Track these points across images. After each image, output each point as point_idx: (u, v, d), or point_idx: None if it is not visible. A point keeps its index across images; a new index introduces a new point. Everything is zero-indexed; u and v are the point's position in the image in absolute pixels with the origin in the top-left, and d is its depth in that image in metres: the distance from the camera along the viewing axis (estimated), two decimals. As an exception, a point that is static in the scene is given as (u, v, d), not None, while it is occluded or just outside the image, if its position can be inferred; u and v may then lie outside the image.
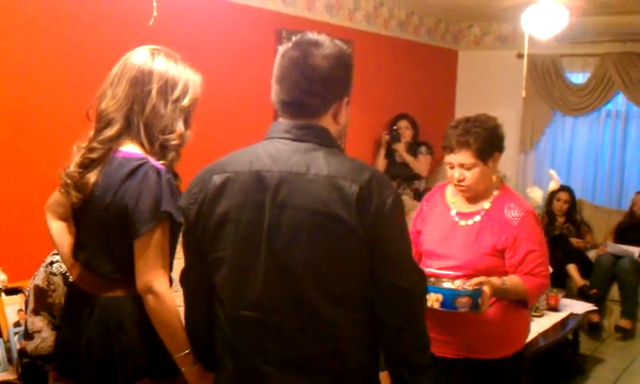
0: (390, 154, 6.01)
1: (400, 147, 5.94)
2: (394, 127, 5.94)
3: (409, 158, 5.93)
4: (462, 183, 2.47)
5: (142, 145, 1.90)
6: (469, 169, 2.44)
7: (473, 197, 2.51)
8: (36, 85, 3.51)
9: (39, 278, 2.68)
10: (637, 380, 4.64)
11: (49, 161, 3.44)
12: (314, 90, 1.63)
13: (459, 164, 2.45)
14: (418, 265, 1.70)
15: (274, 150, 1.63)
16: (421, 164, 5.99)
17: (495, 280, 2.34)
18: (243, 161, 1.65)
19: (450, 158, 2.48)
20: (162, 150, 1.92)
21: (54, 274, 2.67)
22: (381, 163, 5.93)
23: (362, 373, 1.68)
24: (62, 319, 2.12)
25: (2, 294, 3.07)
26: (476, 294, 2.26)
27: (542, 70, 6.68)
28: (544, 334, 4.16)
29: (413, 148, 6.03)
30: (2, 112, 3.37)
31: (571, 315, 4.60)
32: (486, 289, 2.28)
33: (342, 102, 1.69)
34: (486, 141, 2.42)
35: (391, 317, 1.63)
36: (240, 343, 1.65)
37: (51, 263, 2.70)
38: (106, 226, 1.88)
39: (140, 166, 1.84)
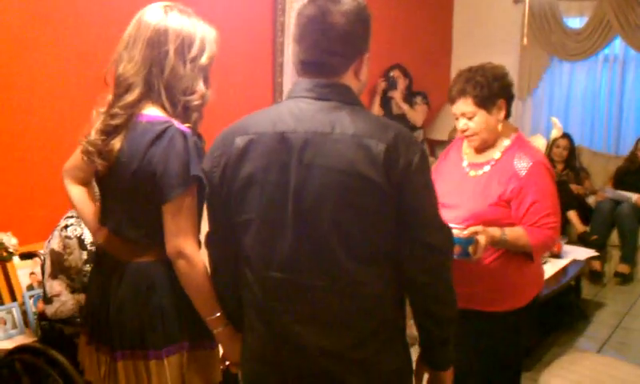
0: (386, 105, 5.97)
1: (396, 95, 5.90)
2: (390, 74, 5.90)
3: (405, 107, 5.90)
4: (467, 133, 2.46)
5: (163, 107, 1.87)
6: (471, 117, 2.42)
7: (481, 146, 2.49)
8: (48, 48, 3.44)
9: (54, 242, 2.67)
10: (638, 323, 4.72)
11: (60, 121, 3.43)
12: (335, 48, 1.62)
13: (461, 113, 2.44)
14: (444, 221, 1.70)
15: (298, 110, 1.62)
16: (417, 113, 5.96)
17: (494, 230, 2.32)
18: (266, 122, 1.64)
19: (454, 109, 2.48)
20: (184, 112, 1.89)
21: (70, 238, 2.67)
22: (376, 112, 5.88)
23: (389, 327, 1.70)
24: (90, 284, 2.12)
25: (15, 258, 3.06)
26: (465, 242, 2.24)
27: (540, 16, 6.61)
28: (547, 282, 4.19)
29: (408, 98, 5.99)
30: (9, 67, 3.31)
31: (573, 261, 4.64)
32: (480, 238, 2.26)
33: (363, 57, 1.68)
34: (486, 88, 2.39)
35: (419, 273, 1.65)
36: (270, 304, 1.66)
37: (65, 227, 2.69)
38: (133, 192, 1.87)
39: (165, 129, 1.81)
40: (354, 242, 1.58)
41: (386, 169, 1.54)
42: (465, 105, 2.42)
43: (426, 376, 1.83)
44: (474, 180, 2.48)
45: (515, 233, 2.36)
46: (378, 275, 1.63)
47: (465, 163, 2.55)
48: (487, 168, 2.47)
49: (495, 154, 2.48)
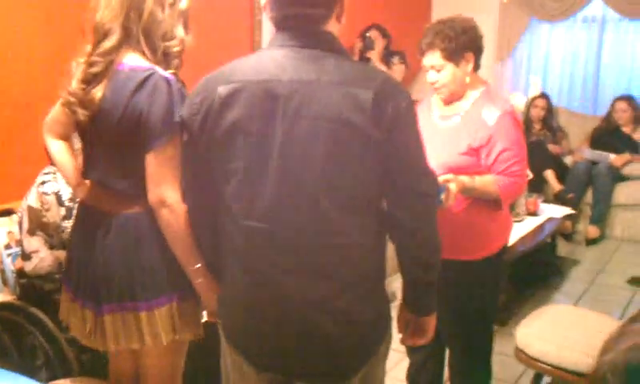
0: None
1: (373, 56, 5.87)
2: (367, 34, 5.86)
3: (382, 68, 5.87)
4: (435, 85, 2.48)
5: (143, 54, 1.84)
6: (439, 70, 2.43)
7: (449, 98, 2.51)
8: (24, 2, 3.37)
9: (32, 199, 2.65)
10: (613, 279, 4.80)
11: (37, 75, 3.36)
12: (318, 1, 1.60)
13: (430, 66, 2.45)
14: (430, 168, 1.71)
15: (282, 58, 1.59)
16: (394, 73, 5.91)
17: (464, 178, 2.35)
18: (249, 70, 1.61)
19: (423, 61, 2.49)
20: (164, 58, 1.86)
21: (47, 194, 2.64)
22: (353, 73, 5.82)
23: (370, 278, 1.71)
24: (72, 240, 2.09)
25: (-8, 216, 3.03)
26: (438, 190, 2.27)
27: (520, -25, 6.59)
28: (523, 239, 4.25)
29: (386, 58, 5.96)
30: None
31: (549, 219, 4.70)
32: (451, 186, 2.29)
33: (343, 1, 1.66)
34: (454, 41, 2.39)
35: (406, 219, 1.65)
36: (252, 253, 1.66)
37: (43, 183, 2.66)
38: (118, 140, 1.84)
39: (149, 76, 1.79)
40: (339, 191, 1.58)
41: (375, 115, 1.53)
42: (433, 58, 2.43)
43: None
44: (444, 131, 2.50)
45: (484, 180, 2.40)
46: (361, 225, 1.64)
47: (435, 115, 2.57)
48: (457, 119, 2.49)
49: (465, 104, 2.49)
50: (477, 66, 2.48)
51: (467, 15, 2.52)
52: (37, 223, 2.64)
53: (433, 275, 1.75)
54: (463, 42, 2.41)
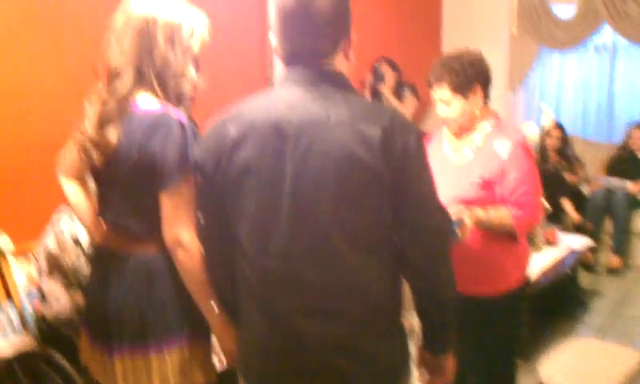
0: (376, 98, 5.96)
1: (385, 89, 5.89)
2: (378, 67, 5.89)
3: (393, 101, 5.89)
4: (445, 119, 2.49)
5: (156, 95, 1.85)
6: (448, 104, 2.44)
7: (459, 132, 2.51)
8: (38, 39, 3.41)
9: (49, 241, 2.65)
10: (634, 309, 4.73)
11: (52, 118, 3.39)
12: (323, 34, 1.61)
13: (439, 100, 2.46)
14: (441, 203, 1.69)
15: (291, 98, 1.60)
16: (406, 107, 5.93)
17: (479, 211, 2.35)
18: (259, 110, 1.62)
19: (433, 95, 2.49)
20: (177, 98, 1.87)
21: (64, 235, 2.64)
22: (365, 107, 5.84)
23: (388, 316, 1.70)
24: (89, 282, 2.09)
25: (10, 258, 3.02)
26: (454, 224, 2.25)
27: (529, 5, 6.61)
28: (544, 271, 4.20)
29: (397, 91, 5.98)
30: (2, 67, 3.28)
31: (570, 251, 4.64)
32: (466, 219, 2.28)
33: (350, 37, 1.67)
34: (462, 75, 2.40)
35: (419, 256, 1.64)
36: (266, 293, 1.65)
37: (60, 224, 2.66)
38: (133, 182, 1.85)
39: (162, 118, 1.80)
40: (352, 229, 1.57)
41: (384, 152, 1.53)
42: (442, 91, 2.44)
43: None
44: (456, 164, 2.51)
45: (499, 213, 2.39)
46: (376, 263, 1.62)
47: (446, 148, 2.57)
48: (468, 152, 2.49)
49: (476, 137, 2.49)
50: (486, 98, 2.49)
51: (477, 47, 2.53)
52: (54, 266, 2.64)
53: (448, 314, 1.72)
54: (471, 75, 2.41)
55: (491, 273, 2.48)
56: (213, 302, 1.84)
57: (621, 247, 5.58)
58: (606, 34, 6.50)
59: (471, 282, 2.43)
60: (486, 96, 2.48)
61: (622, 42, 6.42)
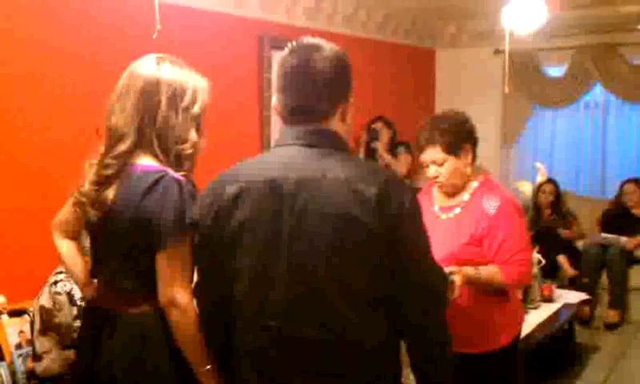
0: (370, 155, 6.02)
1: (379, 146, 5.96)
2: (372, 126, 5.97)
3: (388, 158, 5.95)
4: (438, 179, 2.50)
5: (156, 157, 1.86)
6: (441, 164, 2.46)
7: (452, 191, 2.54)
8: (37, 101, 3.48)
9: (44, 299, 2.65)
10: (634, 365, 4.69)
11: (48, 177, 3.42)
12: (321, 94, 1.64)
13: (431, 161, 2.48)
14: (437, 262, 1.71)
15: (287, 157, 1.62)
16: (400, 163, 6.01)
17: (468, 269, 2.35)
18: (256, 170, 1.64)
19: (422, 157, 2.52)
20: (177, 161, 1.88)
21: (59, 294, 2.65)
22: (360, 163, 5.89)
23: (386, 376, 1.68)
24: (80, 340, 2.08)
25: (4, 316, 3.01)
26: None
27: (520, 65, 6.75)
28: (540, 326, 4.18)
29: (391, 149, 6.05)
30: (0, 127, 3.33)
31: (565, 305, 4.64)
32: (455, 278, 2.28)
33: (348, 101, 1.70)
34: (453, 134, 2.43)
35: (415, 315, 1.64)
36: (263, 353, 1.64)
37: (55, 282, 2.67)
38: (128, 241, 1.85)
39: (160, 178, 1.81)
40: (350, 287, 1.57)
41: (379, 212, 1.54)
42: (434, 152, 2.46)
43: None
44: (446, 222, 2.51)
45: (489, 271, 2.39)
46: (376, 323, 1.62)
47: (436, 207, 2.58)
48: (457, 210, 2.51)
49: (465, 195, 2.52)
50: (474, 157, 2.53)
51: (471, 105, 2.59)
52: (48, 323, 2.63)
53: (445, 373, 1.71)
54: (461, 135, 2.46)
55: (483, 331, 2.47)
56: (207, 363, 1.82)
57: (618, 302, 5.56)
58: (597, 92, 6.62)
59: (463, 340, 2.40)
60: (474, 155, 2.52)
61: (612, 98, 6.54)
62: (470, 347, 2.43)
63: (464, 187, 2.52)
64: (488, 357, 2.47)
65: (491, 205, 2.43)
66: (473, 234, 2.42)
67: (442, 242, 2.43)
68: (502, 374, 2.53)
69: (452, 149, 2.44)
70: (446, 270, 2.28)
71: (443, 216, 2.54)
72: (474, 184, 2.52)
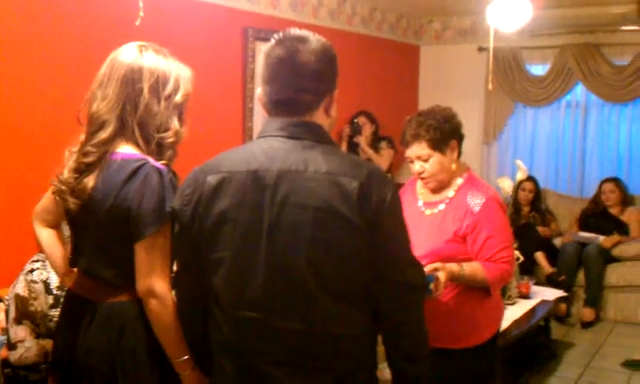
0: (353, 149, 6.04)
1: (362, 140, 5.97)
2: (355, 120, 5.98)
3: (370, 152, 5.97)
4: (423, 175, 2.50)
5: (137, 145, 1.85)
6: (426, 160, 2.47)
7: (437, 187, 2.54)
8: (17, 89, 3.44)
9: (20, 287, 2.62)
10: (608, 362, 4.75)
11: (24, 166, 3.39)
12: (306, 86, 1.63)
13: (416, 157, 2.48)
14: (416, 259, 1.71)
15: (270, 149, 1.62)
16: (382, 158, 6.02)
17: (453, 266, 2.36)
18: (238, 160, 1.63)
19: (408, 153, 2.52)
20: (158, 149, 1.87)
21: (35, 282, 2.62)
22: (343, 157, 5.90)
23: (363, 369, 1.69)
24: (58, 329, 2.06)
25: (-22, 305, 2.99)
26: (427, 279, 2.23)
27: (504, 63, 6.79)
28: (517, 322, 4.22)
29: (374, 143, 6.07)
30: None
31: (542, 302, 4.68)
32: (440, 274, 2.29)
33: (333, 94, 1.70)
34: (438, 130, 2.44)
35: (392, 310, 1.65)
36: (240, 344, 1.63)
37: (31, 271, 2.64)
38: (107, 230, 1.83)
39: (140, 166, 1.79)
40: (329, 280, 1.57)
41: (360, 206, 1.54)
42: (419, 148, 2.46)
43: None
44: (430, 218, 2.52)
45: (472, 268, 2.40)
46: (354, 315, 1.62)
47: (420, 203, 2.59)
48: (442, 206, 2.52)
49: (450, 192, 2.53)
50: (459, 153, 2.53)
51: (454, 102, 2.58)
52: (24, 311, 2.60)
53: (421, 368, 1.71)
54: (447, 131, 2.46)
55: (465, 327, 2.48)
56: (184, 353, 1.81)
57: (594, 300, 5.62)
58: (579, 92, 6.68)
59: (445, 336, 2.43)
60: (459, 151, 2.53)
61: (593, 98, 6.59)
62: (452, 343, 2.46)
63: (449, 183, 2.53)
64: (469, 352, 2.48)
65: (475, 202, 2.44)
66: (457, 230, 2.43)
67: (426, 238, 2.44)
68: (482, 369, 2.55)
69: (437, 145, 2.45)
70: (430, 266, 2.30)
71: (428, 212, 2.54)
72: (459, 181, 2.53)
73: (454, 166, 2.50)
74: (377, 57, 6.63)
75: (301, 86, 1.63)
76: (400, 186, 2.62)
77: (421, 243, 2.43)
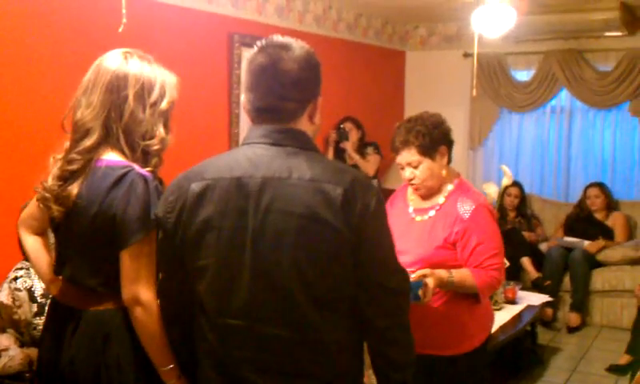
0: (339, 156, 6.04)
1: (348, 146, 5.98)
2: (341, 126, 5.98)
3: (356, 157, 5.97)
4: (413, 181, 2.50)
5: (122, 152, 1.84)
6: (416, 166, 2.47)
7: (428, 193, 2.54)
8: (3, 97, 3.40)
9: (3, 295, 2.60)
10: (594, 367, 4.77)
11: (10, 173, 3.36)
12: (289, 94, 1.63)
13: (406, 163, 2.49)
14: (400, 264, 1.71)
15: (254, 156, 1.61)
16: (369, 163, 6.03)
17: (442, 272, 2.36)
18: (222, 167, 1.63)
19: (398, 159, 2.52)
20: (144, 156, 1.86)
21: (19, 290, 2.60)
22: (329, 163, 5.90)
23: (348, 376, 1.68)
24: (42, 337, 2.04)
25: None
26: (415, 286, 2.25)
27: (489, 69, 6.82)
28: (503, 328, 4.23)
29: (360, 149, 6.08)
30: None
31: (528, 307, 4.71)
32: (428, 281, 2.29)
33: (317, 101, 1.69)
34: (428, 136, 2.44)
35: (377, 316, 1.65)
36: (225, 352, 1.63)
37: (15, 278, 2.62)
38: (91, 237, 1.82)
39: (126, 174, 1.78)
40: (314, 287, 1.57)
41: (344, 212, 1.54)
42: (409, 154, 2.46)
43: None
44: (420, 225, 2.52)
45: (462, 274, 2.40)
46: (339, 322, 1.62)
47: (410, 209, 2.59)
48: (432, 213, 2.52)
49: (440, 198, 2.52)
50: (449, 159, 2.53)
51: (439, 107, 2.58)
52: (7, 320, 2.58)
53: (406, 374, 1.72)
54: (437, 137, 2.46)
55: (454, 334, 2.48)
56: (170, 362, 1.80)
57: (579, 305, 5.65)
58: (563, 97, 6.72)
59: (434, 343, 2.44)
60: (449, 157, 2.52)
61: (577, 104, 6.64)
62: (441, 349, 2.46)
63: (439, 190, 2.53)
64: (459, 359, 2.48)
65: (465, 209, 2.44)
66: (447, 237, 2.43)
67: (416, 245, 2.44)
68: (472, 375, 2.55)
69: (427, 151, 2.45)
70: (419, 272, 2.29)
71: (418, 218, 2.54)
72: (449, 187, 2.53)
73: (444, 172, 2.50)
74: (362, 62, 6.64)
75: (283, 94, 1.62)
76: (388, 192, 2.62)
77: (411, 250, 2.44)
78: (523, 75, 6.89)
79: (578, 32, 6.32)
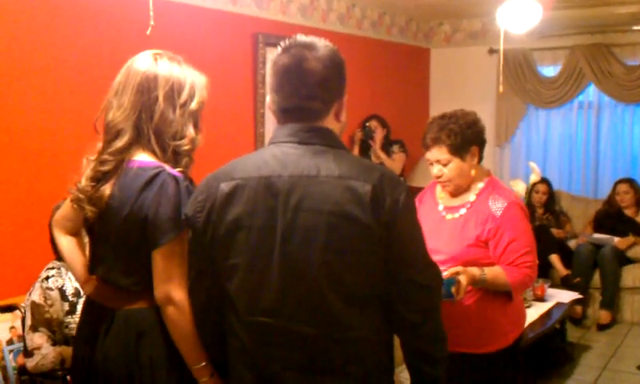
0: (365, 154, 6.04)
1: (374, 144, 5.97)
2: (367, 124, 5.98)
3: (383, 156, 5.96)
4: (441, 179, 2.49)
5: (154, 153, 1.85)
6: (445, 164, 2.45)
7: (455, 192, 2.52)
8: (33, 97, 3.46)
9: (35, 294, 2.64)
10: (625, 364, 4.71)
11: (42, 174, 3.41)
12: (314, 94, 1.63)
13: (436, 160, 2.47)
14: (432, 259, 1.71)
15: (282, 155, 1.62)
16: (395, 162, 6.02)
17: (474, 270, 2.34)
18: (250, 167, 1.64)
19: (428, 155, 2.50)
20: (174, 157, 1.87)
21: (51, 289, 2.63)
22: (354, 161, 5.90)
23: (380, 372, 1.68)
24: (77, 336, 2.06)
25: (-6, 313, 3.01)
26: (447, 283, 2.24)
27: (515, 65, 6.76)
28: (532, 325, 4.20)
29: (386, 147, 6.07)
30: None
31: (557, 304, 4.66)
32: (461, 278, 2.28)
33: (342, 100, 1.70)
34: (460, 136, 2.41)
35: (409, 312, 1.64)
36: (257, 350, 1.64)
37: (47, 278, 2.66)
38: (124, 237, 1.84)
39: (157, 174, 1.80)
40: (344, 284, 1.57)
41: (373, 209, 1.54)
42: (439, 152, 2.44)
43: None
44: (451, 223, 2.50)
45: (494, 272, 2.38)
46: (369, 319, 1.62)
47: (440, 207, 2.57)
48: (463, 211, 2.50)
49: (471, 196, 2.50)
50: (480, 158, 2.51)
51: (464, 104, 2.55)
52: (40, 319, 2.62)
53: (439, 370, 1.71)
54: (469, 137, 2.43)
55: (487, 332, 2.46)
56: (202, 360, 1.81)
57: (610, 302, 5.58)
58: (591, 92, 6.64)
59: (468, 341, 2.43)
60: (480, 156, 2.50)
61: (605, 99, 6.55)
62: (474, 347, 2.44)
63: (469, 188, 2.51)
64: (492, 357, 2.46)
65: (497, 206, 2.42)
66: (479, 235, 2.41)
67: (448, 243, 2.43)
68: (505, 374, 2.53)
69: (458, 151, 2.43)
70: (452, 270, 2.29)
71: (449, 216, 2.53)
72: (480, 185, 2.51)
73: (473, 172, 2.48)
74: (387, 60, 6.62)
75: (308, 94, 1.63)
76: (414, 190, 2.61)
77: (442, 248, 2.43)
78: (550, 71, 6.82)
79: (604, 26, 6.24)
